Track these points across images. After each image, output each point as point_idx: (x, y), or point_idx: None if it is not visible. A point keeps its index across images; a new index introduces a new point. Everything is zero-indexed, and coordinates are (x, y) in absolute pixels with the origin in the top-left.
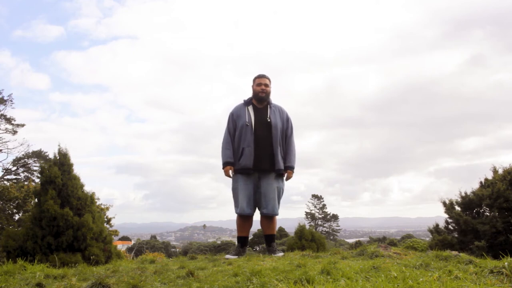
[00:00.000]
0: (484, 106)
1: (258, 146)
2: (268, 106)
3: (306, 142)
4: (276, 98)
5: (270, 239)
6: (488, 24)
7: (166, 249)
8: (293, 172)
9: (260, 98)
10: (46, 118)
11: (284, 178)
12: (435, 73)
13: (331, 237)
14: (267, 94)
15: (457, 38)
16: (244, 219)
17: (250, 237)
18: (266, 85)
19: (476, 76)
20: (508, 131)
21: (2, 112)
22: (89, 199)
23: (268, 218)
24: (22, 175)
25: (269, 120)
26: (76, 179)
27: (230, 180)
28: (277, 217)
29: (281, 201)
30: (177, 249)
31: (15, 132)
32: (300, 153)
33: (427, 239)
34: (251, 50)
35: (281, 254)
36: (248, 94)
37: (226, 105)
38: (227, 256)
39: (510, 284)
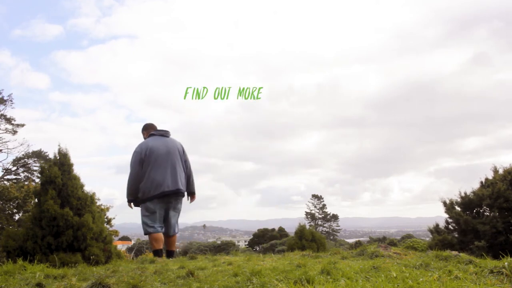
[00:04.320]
0: (485, 105)
1: None
2: None
3: (306, 142)
4: (276, 97)
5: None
6: (491, 22)
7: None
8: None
9: None
10: (46, 118)
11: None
12: (436, 72)
13: (331, 237)
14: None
15: (459, 37)
16: None
17: (250, 237)
18: None
19: (477, 75)
20: (509, 130)
21: (2, 112)
22: (89, 199)
23: None
24: (22, 175)
25: None
26: (76, 179)
27: (230, 180)
28: (277, 216)
29: (281, 201)
30: (177, 249)
31: (15, 132)
32: (300, 153)
33: (427, 239)
34: (251, 50)
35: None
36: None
37: (226, 105)
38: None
39: (510, 284)
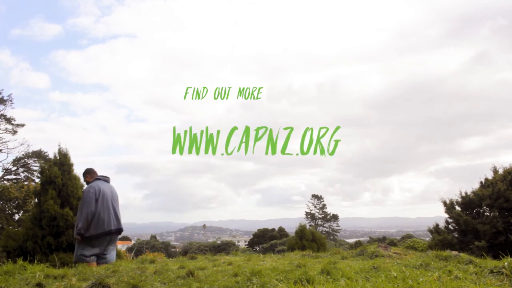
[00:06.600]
0: (487, 105)
1: None
2: None
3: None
4: (276, 97)
5: None
6: (494, 20)
7: (166, 249)
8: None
9: None
10: (46, 118)
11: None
12: (437, 71)
13: (331, 237)
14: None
15: (461, 36)
16: None
17: (250, 237)
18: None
19: (479, 74)
20: (510, 130)
21: (2, 112)
22: None
23: None
24: (22, 175)
25: None
26: (76, 179)
27: (230, 180)
28: (277, 216)
29: (282, 201)
30: (177, 249)
31: (15, 132)
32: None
33: (427, 239)
34: (252, 49)
35: None
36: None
37: (227, 105)
38: None
39: (510, 284)
